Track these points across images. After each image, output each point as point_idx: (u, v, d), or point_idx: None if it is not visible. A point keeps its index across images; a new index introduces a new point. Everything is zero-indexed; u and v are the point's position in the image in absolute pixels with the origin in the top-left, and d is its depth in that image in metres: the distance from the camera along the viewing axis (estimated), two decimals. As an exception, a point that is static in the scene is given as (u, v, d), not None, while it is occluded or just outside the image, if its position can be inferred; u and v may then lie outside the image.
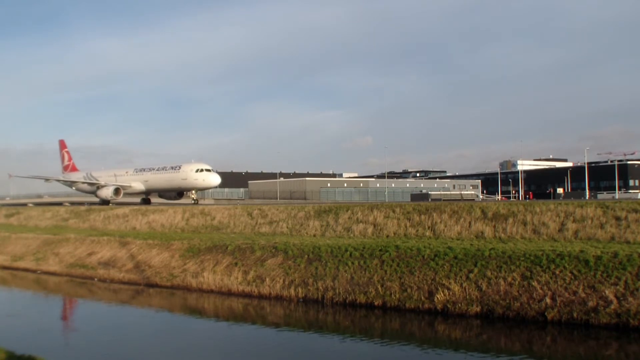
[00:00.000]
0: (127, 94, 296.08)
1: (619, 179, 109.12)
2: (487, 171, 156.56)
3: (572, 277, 19.22)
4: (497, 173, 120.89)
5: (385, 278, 22.69)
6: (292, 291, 24.21)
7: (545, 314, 18.58)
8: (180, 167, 59.83)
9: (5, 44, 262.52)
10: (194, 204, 55.69)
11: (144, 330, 22.11)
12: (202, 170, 58.22)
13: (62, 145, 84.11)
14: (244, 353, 18.19)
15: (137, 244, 34.50)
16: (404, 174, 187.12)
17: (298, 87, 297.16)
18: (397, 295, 21.68)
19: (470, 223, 27.94)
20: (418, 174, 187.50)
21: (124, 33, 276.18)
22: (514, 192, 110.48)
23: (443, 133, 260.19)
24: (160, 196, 68.89)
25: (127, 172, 67.52)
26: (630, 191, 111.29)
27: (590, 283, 18.78)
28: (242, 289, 25.82)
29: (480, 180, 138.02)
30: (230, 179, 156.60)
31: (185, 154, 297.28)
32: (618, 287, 18.22)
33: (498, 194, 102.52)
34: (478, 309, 19.85)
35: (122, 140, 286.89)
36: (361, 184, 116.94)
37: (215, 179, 58.39)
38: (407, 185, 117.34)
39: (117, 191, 63.76)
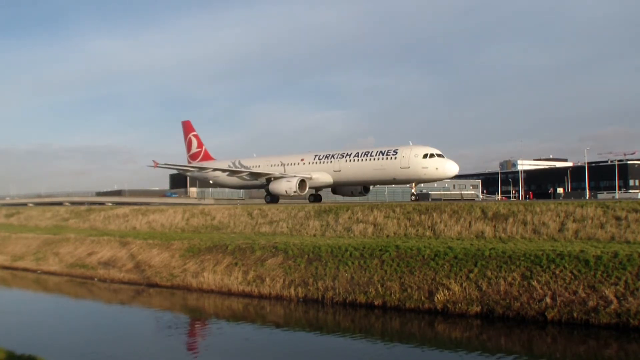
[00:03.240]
0: (128, 94, 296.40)
1: (619, 179, 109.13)
2: (487, 171, 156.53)
3: (572, 277, 19.22)
4: (497, 173, 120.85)
5: (385, 278, 22.69)
6: (292, 291, 24.22)
7: (545, 313, 18.57)
8: (396, 152, 43.66)
9: (6, 44, 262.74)
10: (415, 200, 43.26)
11: (144, 330, 22.12)
12: (432, 155, 42.24)
13: (188, 127, 65.40)
14: (243, 353, 18.18)
15: (137, 243, 34.52)
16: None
17: (299, 87, 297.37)
18: (397, 295, 21.68)
19: (470, 223, 27.93)
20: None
21: (125, 33, 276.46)
22: (514, 192, 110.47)
23: (443, 133, 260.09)
24: (336, 192, 52.68)
25: (302, 160, 50.87)
26: (630, 191, 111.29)
27: (590, 283, 18.77)
28: (242, 289, 25.82)
29: (480, 180, 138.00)
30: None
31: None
32: (618, 287, 18.21)
33: (498, 193, 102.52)
34: (478, 309, 19.85)
35: (123, 140, 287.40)
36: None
37: (453, 168, 42.38)
38: (407, 185, 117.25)
39: (302, 184, 47.35)
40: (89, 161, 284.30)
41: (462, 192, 78.33)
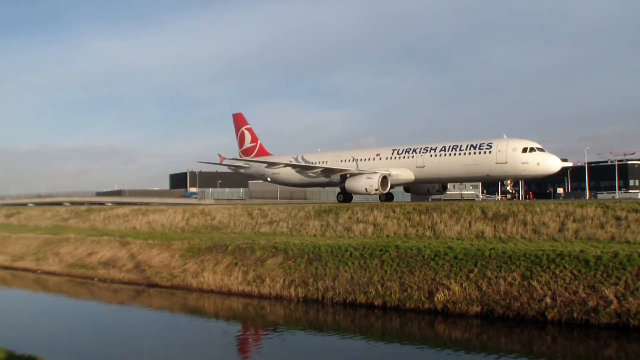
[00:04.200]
0: (128, 94, 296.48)
1: (619, 179, 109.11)
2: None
3: (572, 277, 19.22)
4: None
5: (385, 278, 22.70)
6: (292, 291, 24.22)
7: (546, 314, 18.58)
8: (491, 145, 39.66)
9: (7, 44, 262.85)
10: (512, 197, 40.62)
11: (143, 330, 22.12)
12: (532, 149, 38.33)
13: (239, 120, 59.58)
14: (244, 353, 18.19)
15: (137, 244, 34.52)
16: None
17: (299, 87, 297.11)
18: (397, 295, 21.69)
19: (470, 223, 27.94)
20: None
21: (126, 33, 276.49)
22: (514, 192, 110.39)
23: (444, 133, 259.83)
24: (409, 190, 48.70)
25: (378, 155, 46.13)
26: (630, 191, 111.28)
27: (590, 283, 18.78)
28: (242, 289, 25.83)
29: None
30: (231, 179, 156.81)
31: (187, 153, 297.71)
32: (618, 287, 18.22)
33: (498, 193, 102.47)
34: (478, 309, 19.85)
35: (123, 140, 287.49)
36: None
37: (555, 163, 38.77)
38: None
39: (384, 181, 42.34)
40: (90, 161, 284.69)
41: (462, 192, 78.33)
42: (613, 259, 19.36)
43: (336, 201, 47.15)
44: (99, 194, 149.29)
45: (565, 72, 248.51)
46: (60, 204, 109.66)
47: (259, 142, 58.42)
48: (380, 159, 45.81)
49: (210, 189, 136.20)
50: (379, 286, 22.39)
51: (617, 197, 70.50)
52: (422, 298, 21.15)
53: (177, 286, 28.37)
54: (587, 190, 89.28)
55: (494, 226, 27.14)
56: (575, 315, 18.11)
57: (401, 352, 17.59)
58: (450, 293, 20.69)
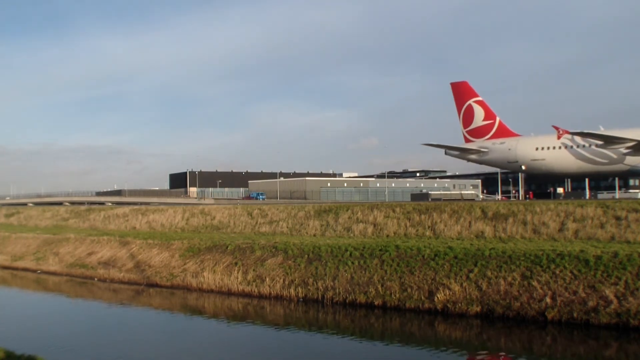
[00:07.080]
0: (129, 93, 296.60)
1: (619, 179, 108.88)
2: (487, 171, 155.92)
3: (572, 277, 19.21)
4: (497, 173, 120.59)
5: (385, 278, 22.68)
6: (292, 291, 24.20)
7: (546, 313, 18.56)
8: None
9: (9, 44, 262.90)
10: None
11: (143, 330, 22.10)
12: None
13: (464, 91, 46.58)
14: (244, 353, 18.17)
15: (137, 243, 34.50)
16: (404, 174, 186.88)
17: (302, 87, 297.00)
18: (397, 295, 21.67)
19: (470, 223, 27.92)
20: (418, 174, 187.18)
21: (127, 33, 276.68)
22: (514, 191, 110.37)
23: (445, 132, 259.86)
24: None
25: None
26: (630, 191, 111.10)
27: (590, 283, 18.76)
28: (242, 289, 25.82)
29: (480, 180, 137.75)
30: (231, 179, 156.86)
31: (188, 153, 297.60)
32: (618, 286, 18.20)
33: (498, 193, 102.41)
34: (478, 309, 19.83)
35: (124, 140, 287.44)
36: (361, 184, 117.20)
37: None
38: (407, 185, 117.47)
39: None
40: (92, 161, 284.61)
41: (462, 192, 78.36)
42: (613, 259, 19.35)
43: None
44: (98, 193, 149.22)
45: (566, 72, 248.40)
46: (60, 204, 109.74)
47: (497, 119, 45.58)
48: None
49: (211, 189, 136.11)
50: (379, 286, 22.38)
51: (617, 197, 70.43)
52: (422, 298, 21.13)
53: (177, 286, 28.34)
54: (588, 190, 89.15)
55: (494, 226, 27.12)
56: (575, 315, 18.09)
57: (401, 352, 17.57)
58: (450, 293, 20.67)
